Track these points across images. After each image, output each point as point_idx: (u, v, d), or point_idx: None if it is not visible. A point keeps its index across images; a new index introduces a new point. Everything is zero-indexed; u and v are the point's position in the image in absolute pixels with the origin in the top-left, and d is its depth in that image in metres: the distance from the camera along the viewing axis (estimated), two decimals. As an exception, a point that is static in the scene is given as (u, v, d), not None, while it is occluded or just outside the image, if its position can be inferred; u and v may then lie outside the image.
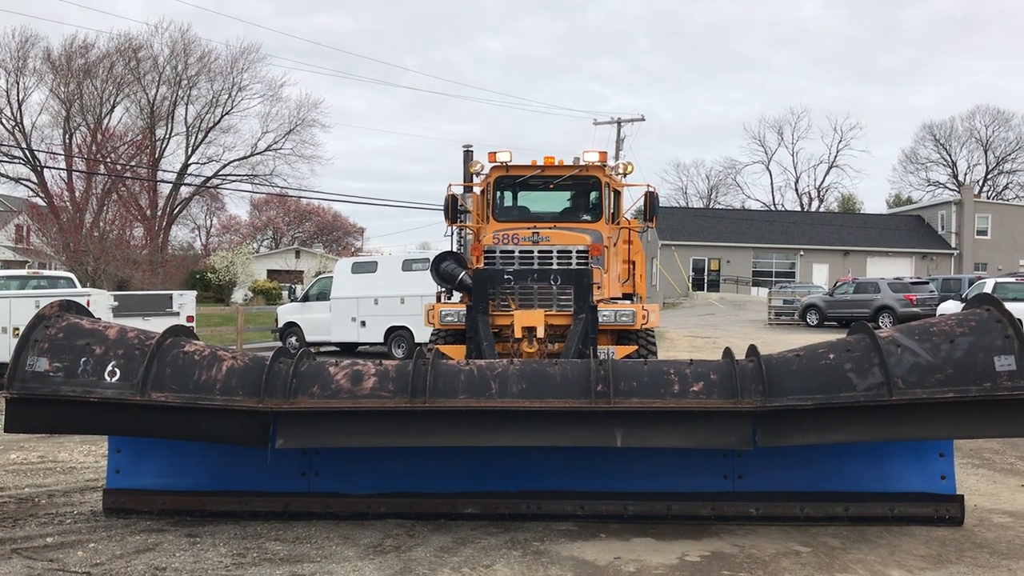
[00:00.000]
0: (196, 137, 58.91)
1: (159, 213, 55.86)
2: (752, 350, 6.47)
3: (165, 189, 56.78)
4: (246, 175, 59.89)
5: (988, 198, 71.91)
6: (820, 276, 56.80)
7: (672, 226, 56.57)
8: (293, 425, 6.39)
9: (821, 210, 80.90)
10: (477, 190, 12.29)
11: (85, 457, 9.67)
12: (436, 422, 6.30)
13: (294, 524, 6.82)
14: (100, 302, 14.75)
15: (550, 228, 10.36)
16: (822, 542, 6.39)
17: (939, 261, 58.58)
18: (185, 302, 15.70)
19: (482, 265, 9.87)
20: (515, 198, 11.60)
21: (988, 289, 23.00)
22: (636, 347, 9.82)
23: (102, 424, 6.48)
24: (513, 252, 9.85)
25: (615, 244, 11.52)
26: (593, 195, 11.34)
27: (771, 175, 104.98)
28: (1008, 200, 74.23)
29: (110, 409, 6.25)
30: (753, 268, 59.21)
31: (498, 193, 11.42)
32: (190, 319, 15.68)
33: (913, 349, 6.03)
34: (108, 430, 6.76)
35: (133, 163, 53.53)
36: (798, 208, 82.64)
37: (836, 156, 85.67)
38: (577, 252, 9.86)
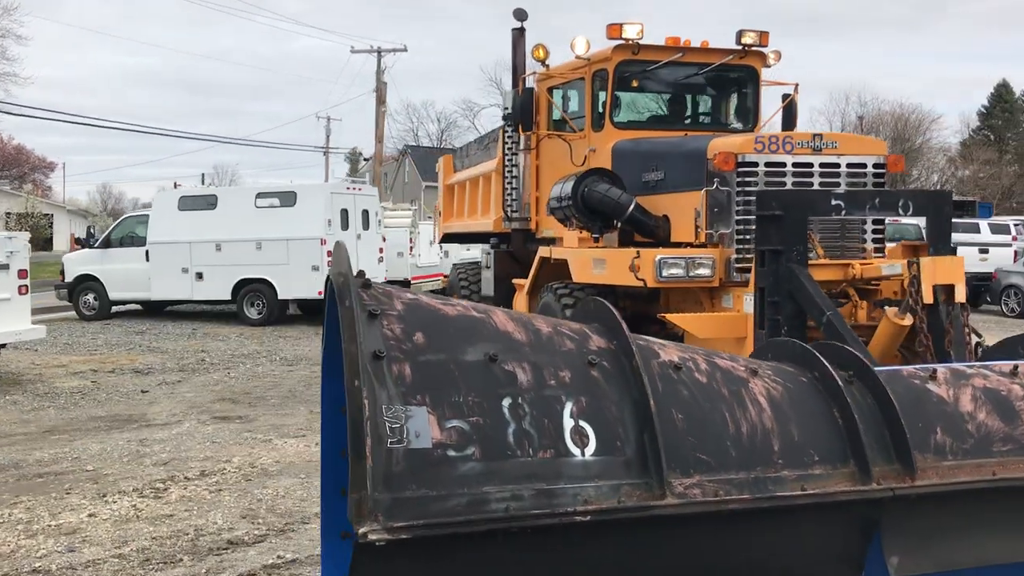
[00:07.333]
0: None
1: None
2: None
3: None
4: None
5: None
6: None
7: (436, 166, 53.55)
8: (921, 521, 2.93)
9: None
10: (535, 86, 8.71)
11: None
12: None
13: None
14: None
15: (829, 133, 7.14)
16: None
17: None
18: (16, 249, 10.38)
19: (733, 184, 6.43)
20: (643, 95, 8.20)
21: None
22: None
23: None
24: (784, 165, 6.50)
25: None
26: (744, 92, 8.21)
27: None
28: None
29: (594, 535, 2.38)
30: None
31: (619, 87, 7.92)
32: (23, 274, 10.47)
33: None
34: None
35: None
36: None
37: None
38: (874, 167, 6.70)
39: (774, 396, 2.86)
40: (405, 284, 20.13)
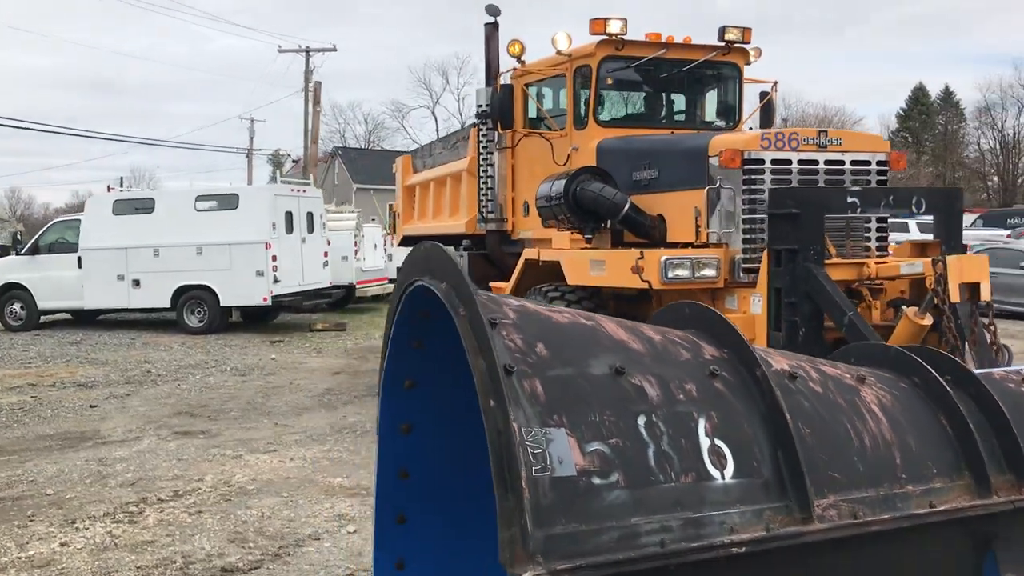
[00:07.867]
0: None
1: None
2: None
3: None
4: None
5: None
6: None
7: (367, 167, 52.90)
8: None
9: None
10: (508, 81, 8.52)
11: None
12: None
13: None
14: None
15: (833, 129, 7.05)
16: None
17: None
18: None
19: (739, 182, 6.26)
20: (625, 92, 8.01)
21: None
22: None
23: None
24: (790, 162, 6.35)
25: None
26: (727, 89, 8.10)
27: (436, 120, 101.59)
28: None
29: (741, 565, 2.13)
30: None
31: (602, 83, 7.73)
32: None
33: None
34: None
35: None
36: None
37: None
38: (877, 164, 6.60)
39: (886, 405, 2.66)
40: (350, 288, 19.66)
